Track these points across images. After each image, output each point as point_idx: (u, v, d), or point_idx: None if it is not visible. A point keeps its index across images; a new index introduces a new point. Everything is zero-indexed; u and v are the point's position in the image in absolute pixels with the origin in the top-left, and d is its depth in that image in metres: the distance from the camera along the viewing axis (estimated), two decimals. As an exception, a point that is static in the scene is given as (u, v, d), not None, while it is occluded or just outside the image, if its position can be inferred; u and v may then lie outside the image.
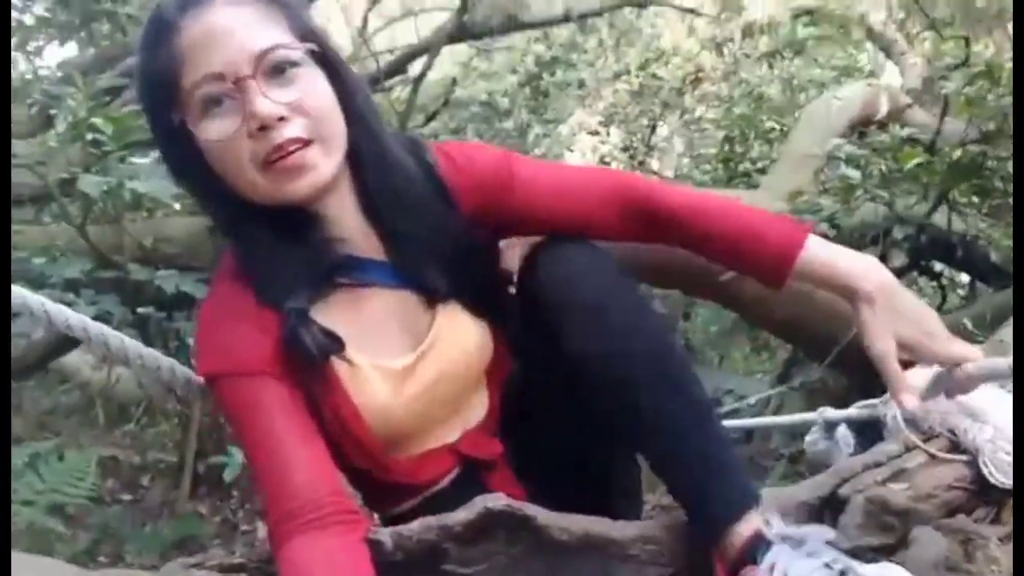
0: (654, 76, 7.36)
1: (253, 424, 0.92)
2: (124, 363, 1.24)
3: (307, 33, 0.91)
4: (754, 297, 2.93)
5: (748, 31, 7.17)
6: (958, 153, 2.41)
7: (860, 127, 3.97)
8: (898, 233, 2.46)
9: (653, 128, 7.60)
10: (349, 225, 0.98)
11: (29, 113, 3.59)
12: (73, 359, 4.32)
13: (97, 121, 2.37)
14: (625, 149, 8.36)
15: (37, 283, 2.27)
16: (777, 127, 5.63)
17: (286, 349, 0.93)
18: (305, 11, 0.94)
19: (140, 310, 2.47)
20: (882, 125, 3.98)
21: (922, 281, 3.65)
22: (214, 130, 0.87)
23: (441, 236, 1.00)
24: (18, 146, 3.23)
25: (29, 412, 3.45)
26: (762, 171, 5.31)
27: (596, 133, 8.64)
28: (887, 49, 6.44)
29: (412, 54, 6.51)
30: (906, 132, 2.90)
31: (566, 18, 6.55)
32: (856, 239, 2.51)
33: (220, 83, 0.86)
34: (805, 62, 6.44)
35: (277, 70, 0.87)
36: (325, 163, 0.89)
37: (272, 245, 0.94)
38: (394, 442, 1.02)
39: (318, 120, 0.88)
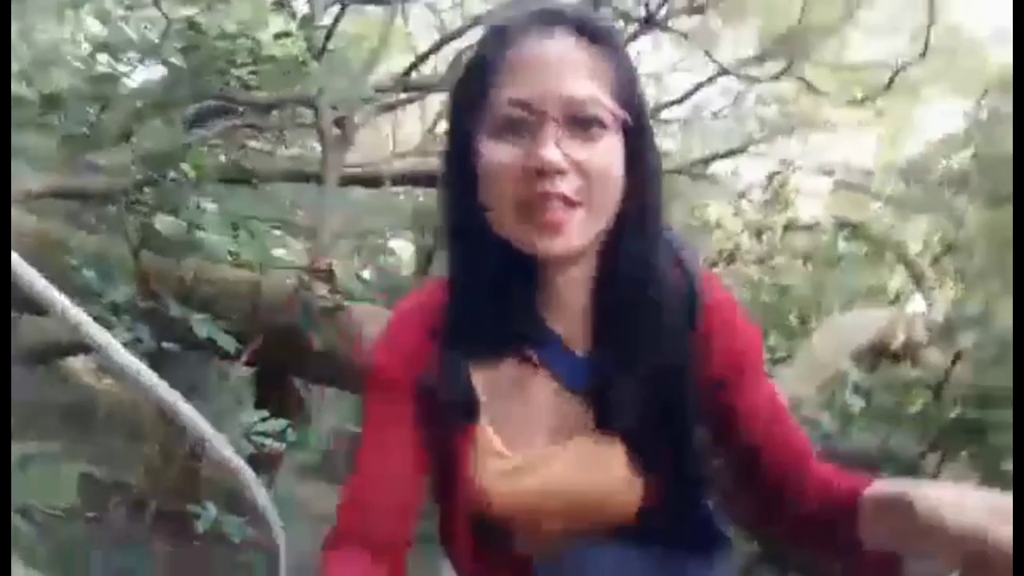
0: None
1: (378, 429, 0.95)
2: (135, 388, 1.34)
3: (629, 100, 0.87)
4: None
5: (791, 225, 7.47)
6: (957, 411, 2.52)
7: (876, 351, 4.11)
8: (886, 471, 2.54)
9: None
10: (569, 302, 0.94)
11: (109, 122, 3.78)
12: (75, 361, 4.39)
13: (184, 166, 2.54)
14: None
15: (83, 294, 2.39)
16: (797, 323, 5.80)
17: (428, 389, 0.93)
18: (635, 77, 0.88)
19: (165, 345, 2.57)
20: (896, 355, 4.13)
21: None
22: (498, 152, 0.85)
23: (659, 378, 0.92)
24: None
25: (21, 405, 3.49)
26: (772, 361, 5.45)
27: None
28: (918, 279, 6.69)
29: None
30: (916, 373, 3.02)
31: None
32: (843, 464, 2.59)
33: (524, 111, 0.84)
34: (837, 270, 6.68)
35: (580, 123, 0.84)
36: (581, 232, 0.85)
37: (485, 283, 0.91)
38: (503, 519, 0.98)
39: (596, 188, 0.84)
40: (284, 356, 3.38)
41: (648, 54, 6.84)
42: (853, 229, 7.03)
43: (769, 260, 7.48)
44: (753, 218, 7.84)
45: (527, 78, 0.84)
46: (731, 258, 7.53)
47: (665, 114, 6.65)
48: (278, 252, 3.10)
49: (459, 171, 0.90)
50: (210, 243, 2.41)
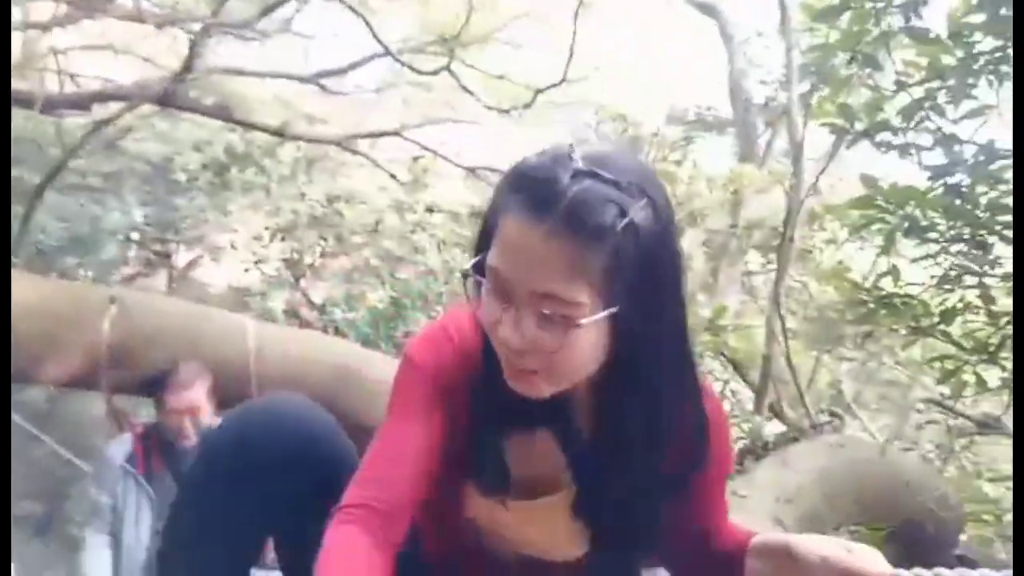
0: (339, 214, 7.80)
1: (401, 412, 0.99)
2: None
3: (618, 290, 0.84)
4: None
5: (432, 208, 7.98)
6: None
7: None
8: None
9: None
10: (574, 394, 0.98)
11: None
12: None
13: None
14: (285, 261, 8.51)
15: None
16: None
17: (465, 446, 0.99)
18: (631, 264, 0.83)
19: None
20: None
21: None
22: (485, 303, 0.89)
23: (646, 476, 1.00)
24: None
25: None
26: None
27: (259, 238, 8.66)
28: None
29: (107, 95, 6.02)
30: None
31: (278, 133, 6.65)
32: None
33: (500, 282, 0.86)
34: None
35: (548, 317, 0.84)
36: (549, 388, 0.91)
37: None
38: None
39: (558, 367, 0.88)
40: None
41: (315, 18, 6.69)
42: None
43: (411, 235, 7.96)
44: (398, 197, 8.21)
45: (509, 255, 0.85)
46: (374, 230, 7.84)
47: (327, 82, 6.60)
48: None
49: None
50: None
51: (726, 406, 4.33)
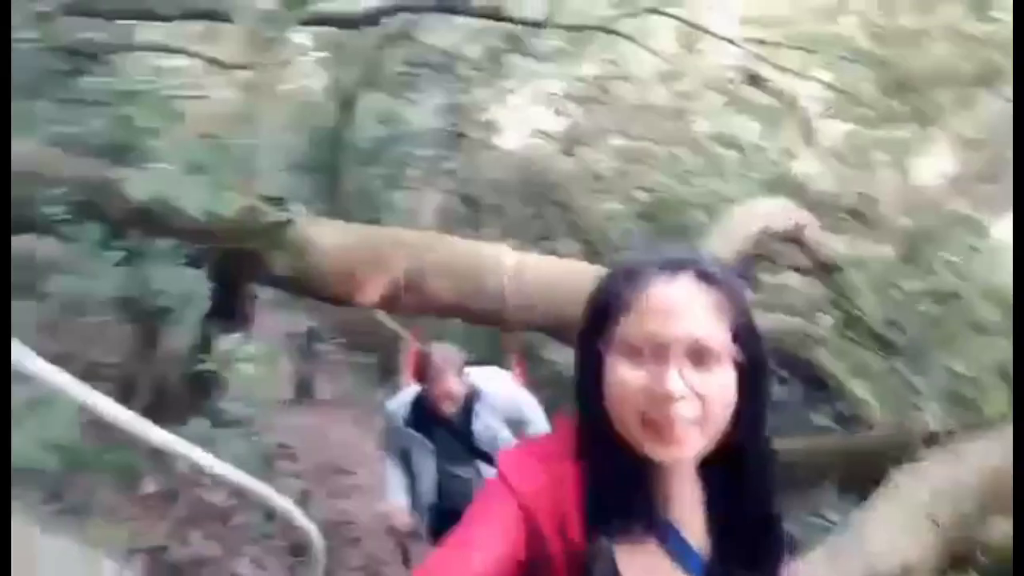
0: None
1: (474, 526, 1.01)
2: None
3: (745, 338, 0.98)
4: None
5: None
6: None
7: (769, 236, 4.68)
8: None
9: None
10: (685, 495, 1.04)
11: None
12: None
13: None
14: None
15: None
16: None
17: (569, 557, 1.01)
18: (752, 318, 1.00)
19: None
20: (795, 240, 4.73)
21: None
22: (624, 374, 0.96)
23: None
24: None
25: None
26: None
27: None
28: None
29: (395, 8, 6.70)
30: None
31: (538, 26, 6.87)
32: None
33: (650, 344, 0.95)
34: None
35: (699, 357, 0.94)
36: (695, 444, 0.96)
37: (613, 473, 1.01)
38: None
39: (711, 411, 0.95)
40: (238, 268, 3.65)
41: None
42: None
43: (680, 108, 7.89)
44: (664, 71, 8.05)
45: (656, 316, 0.95)
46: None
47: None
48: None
49: (588, 382, 1.01)
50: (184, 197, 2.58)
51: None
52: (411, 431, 2.70)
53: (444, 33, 8.81)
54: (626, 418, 0.97)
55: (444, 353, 2.63)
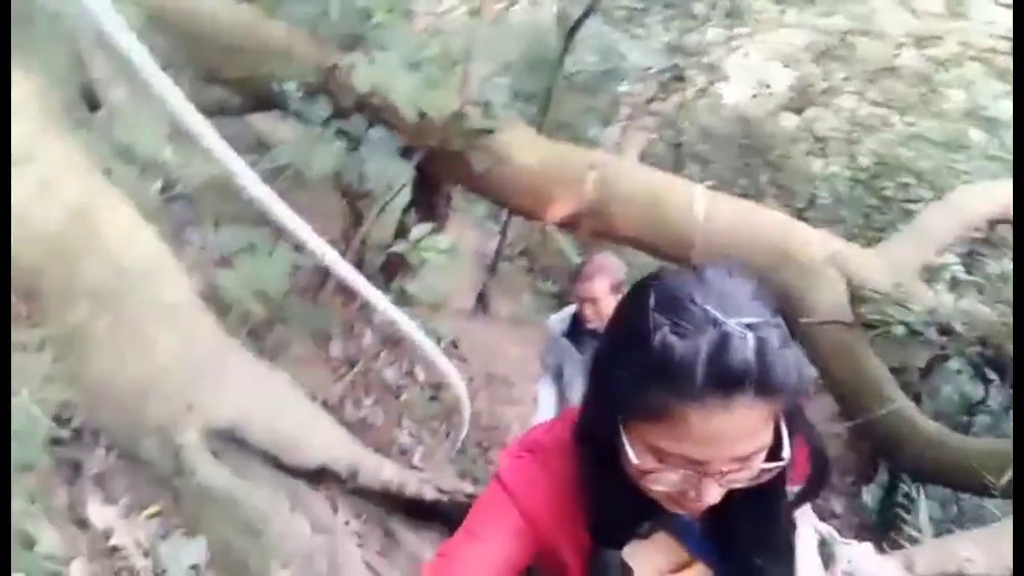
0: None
1: (476, 530, 0.98)
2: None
3: (795, 430, 0.87)
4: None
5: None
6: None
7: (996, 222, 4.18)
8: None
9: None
10: None
11: None
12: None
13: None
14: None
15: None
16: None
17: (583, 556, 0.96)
18: (802, 407, 0.89)
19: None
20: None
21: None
22: (650, 469, 0.85)
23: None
24: None
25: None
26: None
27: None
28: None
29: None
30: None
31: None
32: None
33: (691, 465, 0.83)
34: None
35: (743, 461, 0.84)
36: (715, 498, 0.87)
37: (619, 498, 0.93)
38: None
39: (740, 483, 0.86)
40: (441, 166, 3.86)
41: None
42: None
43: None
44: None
45: (703, 442, 0.81)
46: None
47: None
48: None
49: (600, 420, 0.91)
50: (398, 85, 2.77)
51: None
52: (565, 341, 2.74)
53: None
54: (648, 490, 0.88)
55: (601, 260, 2.60)
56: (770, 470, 0.85)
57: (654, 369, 0.81)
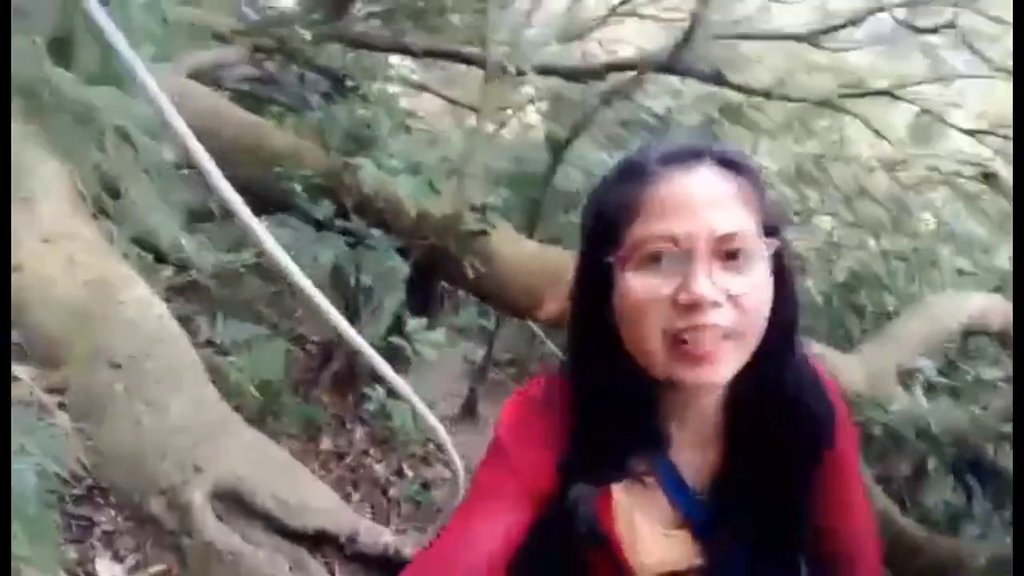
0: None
1: (482, 497, 0.95)
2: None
3: (774, 226, 0.86)
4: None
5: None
6: None
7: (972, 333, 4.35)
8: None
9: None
10: (696, 433, 0.94)
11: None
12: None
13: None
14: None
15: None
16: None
17: (555, 511, 0.93)
18: (777, 201, 1.03)
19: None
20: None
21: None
22: (642, 286, 0.83)
23: (781, 518, 0.93)
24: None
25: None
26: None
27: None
28: None
29: (618, 65, 7.05)
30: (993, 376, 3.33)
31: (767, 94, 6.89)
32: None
33: (670, 245, 0.82)
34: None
35: (731, 255, 0.82)
36: (732, 361, 0.83)
37: (611, 412, 0.91)
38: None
39: (750, 319, 0.82)
40: (435, 266, 4.03)
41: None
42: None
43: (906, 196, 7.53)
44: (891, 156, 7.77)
45: (675, 214, 0.82)
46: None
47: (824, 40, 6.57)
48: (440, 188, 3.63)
49: (591, 301, 0.89)
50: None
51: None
52: None
53: (662, 97, 9.08)
54: (647, 338, 0.84)
55: None
56: (761, 285, 0.83)
57: (619, 179, 0.88)
